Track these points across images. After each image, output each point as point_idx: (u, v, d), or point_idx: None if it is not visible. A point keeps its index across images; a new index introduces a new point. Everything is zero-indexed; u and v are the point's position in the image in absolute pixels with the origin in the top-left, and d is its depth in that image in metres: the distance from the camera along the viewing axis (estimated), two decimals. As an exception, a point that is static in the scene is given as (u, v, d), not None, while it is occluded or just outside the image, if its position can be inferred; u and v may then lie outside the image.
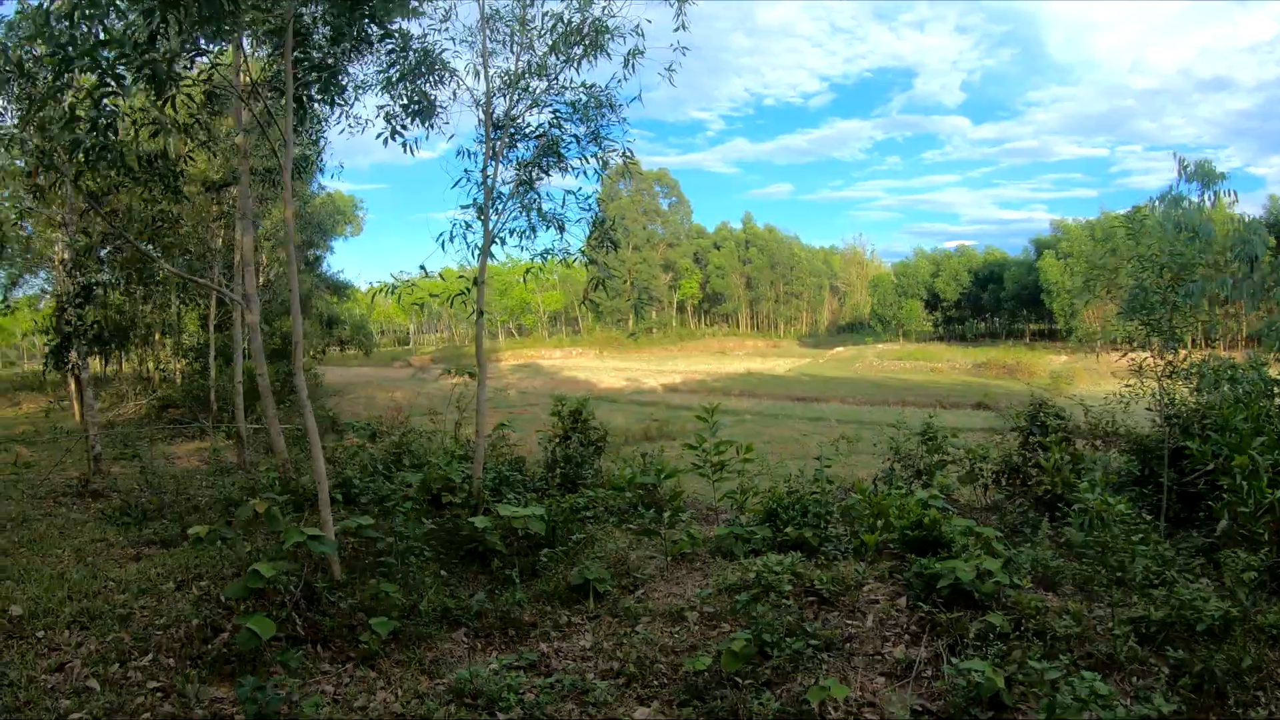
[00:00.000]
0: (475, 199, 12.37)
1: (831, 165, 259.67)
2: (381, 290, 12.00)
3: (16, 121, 9.95)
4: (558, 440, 16.02)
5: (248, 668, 7.62)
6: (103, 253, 25.03)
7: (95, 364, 49.70)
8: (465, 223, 12.27)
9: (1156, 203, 13.27)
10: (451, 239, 12.08)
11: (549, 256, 12.73)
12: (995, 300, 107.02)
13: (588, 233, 12.88)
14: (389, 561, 9.43)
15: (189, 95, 9.83)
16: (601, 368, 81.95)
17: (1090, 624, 7.76)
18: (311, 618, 8.45)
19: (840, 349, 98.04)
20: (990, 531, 9.91)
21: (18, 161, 11.17)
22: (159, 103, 8.67)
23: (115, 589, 9.86)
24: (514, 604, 9.15)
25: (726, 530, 11.22)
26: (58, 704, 6.95)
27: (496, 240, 12.31)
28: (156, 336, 40.87)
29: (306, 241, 42.58)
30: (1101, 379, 66.15)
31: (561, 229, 12.69)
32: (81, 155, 8.74)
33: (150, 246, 21.20)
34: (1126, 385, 12.81)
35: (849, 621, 8.53)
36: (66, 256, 19.61)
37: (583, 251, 12.92)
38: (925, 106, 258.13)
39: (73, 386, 28.55)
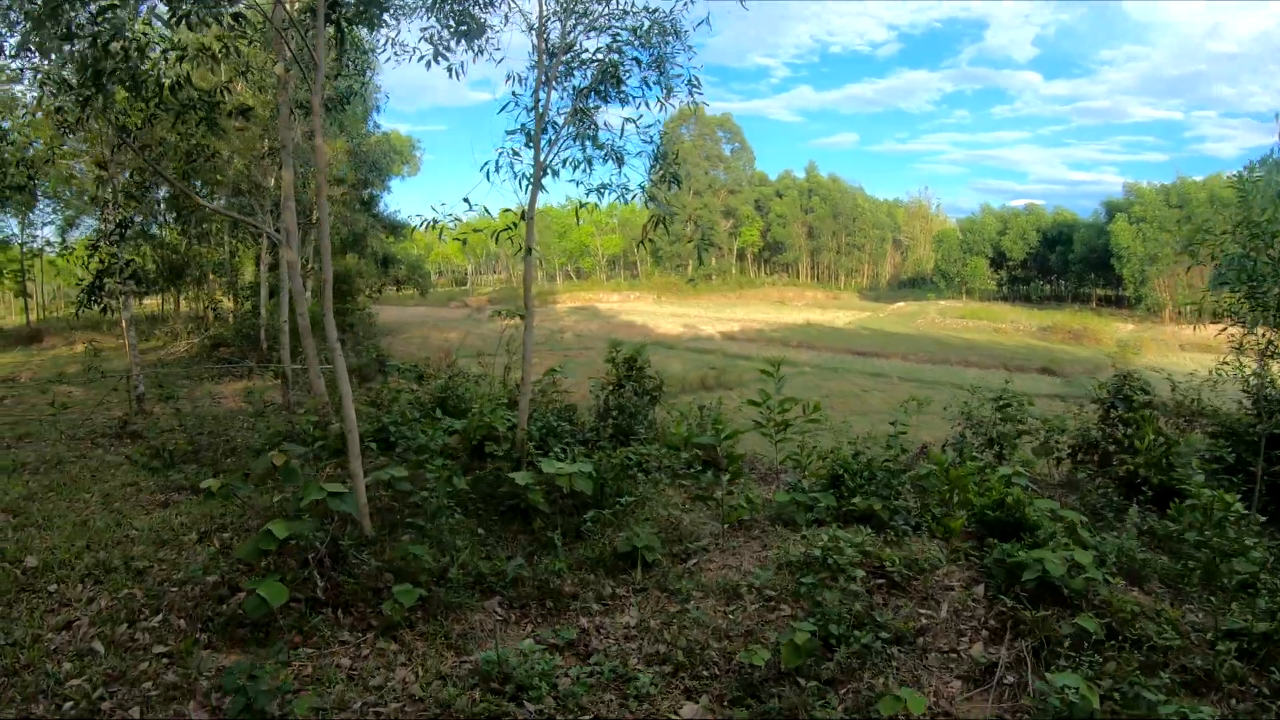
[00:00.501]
0: (524, 125, 11.40)
1: (898, 116, 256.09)
2: (424, 226, 11.01)
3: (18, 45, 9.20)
4: (611, 388, 15.22)
5: (260, 634, 7.05)
6: (158, 194, 24.65)
7: (153, 303, 50.11)
8: (513, 149, 11.22)
9: (1257, 166, 12.05)
10: (498, 169, 11.03)
11: (606, 192, 11.63)
12: (1063, 262, 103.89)
13: (648, 167, 11.84)
14: (419, 522, 8.69)
15: (214, 18, 8.99)
16: (659, 313, 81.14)
17: (1184, 631, 6.91)
18: (335, 578, 7.79)
19: (902, 304, 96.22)
20: (1075, 516, 9.06)
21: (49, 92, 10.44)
22: (172, 20, 7.90)
23: (137, 539, 9.34)
24: (553, 573, 8.35)
25: (788, 496, 10.32)
26: (59, 667, 6.47)
27: (549, 172, 11.24)
28: (210, 275, 40.70)
29: (362, 180, 41.95)
30: (1169, 351, 64.33)
31: (620, 162, 11.59)
32: (90, 75, 8.01)
33: (191, 183, 20.59)
34: (1223, 363, 11.71)
35: (921, 611, 7.68)
36: (104, 193, 19.10)
37: (642, 187, 11.79)
38: (995, 60, 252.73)
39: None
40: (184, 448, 13.62)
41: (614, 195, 11.65)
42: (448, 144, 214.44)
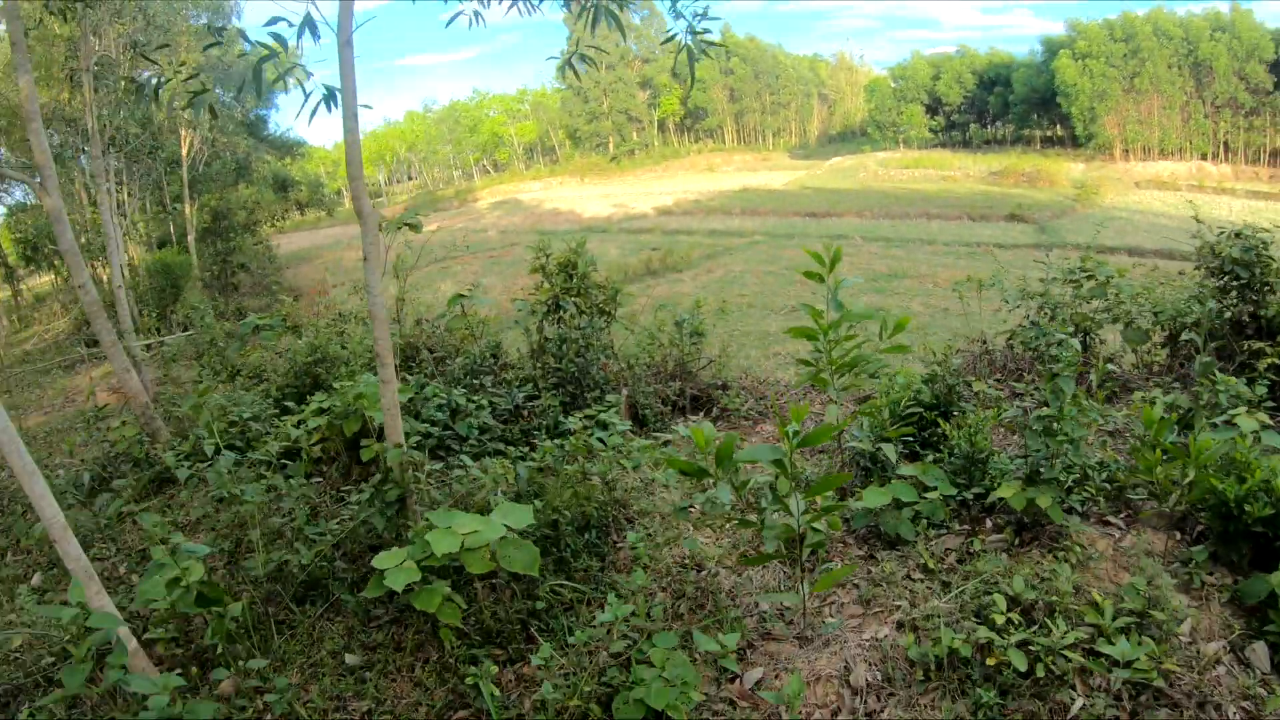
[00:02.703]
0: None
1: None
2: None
3: None
4: (545, 312, 10.89)
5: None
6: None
7: (45, 281, 44.28)
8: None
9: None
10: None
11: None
12: (1002, 104, 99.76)
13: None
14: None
15: None
16: (585, 196, 76.15)
17: None
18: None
19: (838, 159, 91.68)
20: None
21: None
22: None
23: None
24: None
25: (884, 494, 6.00)
26: None
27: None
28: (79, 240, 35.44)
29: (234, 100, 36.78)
30: (1127, 189, 61.21)
31: None
32: None
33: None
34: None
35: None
36: None
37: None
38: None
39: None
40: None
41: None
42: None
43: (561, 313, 10.74)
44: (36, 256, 34.76)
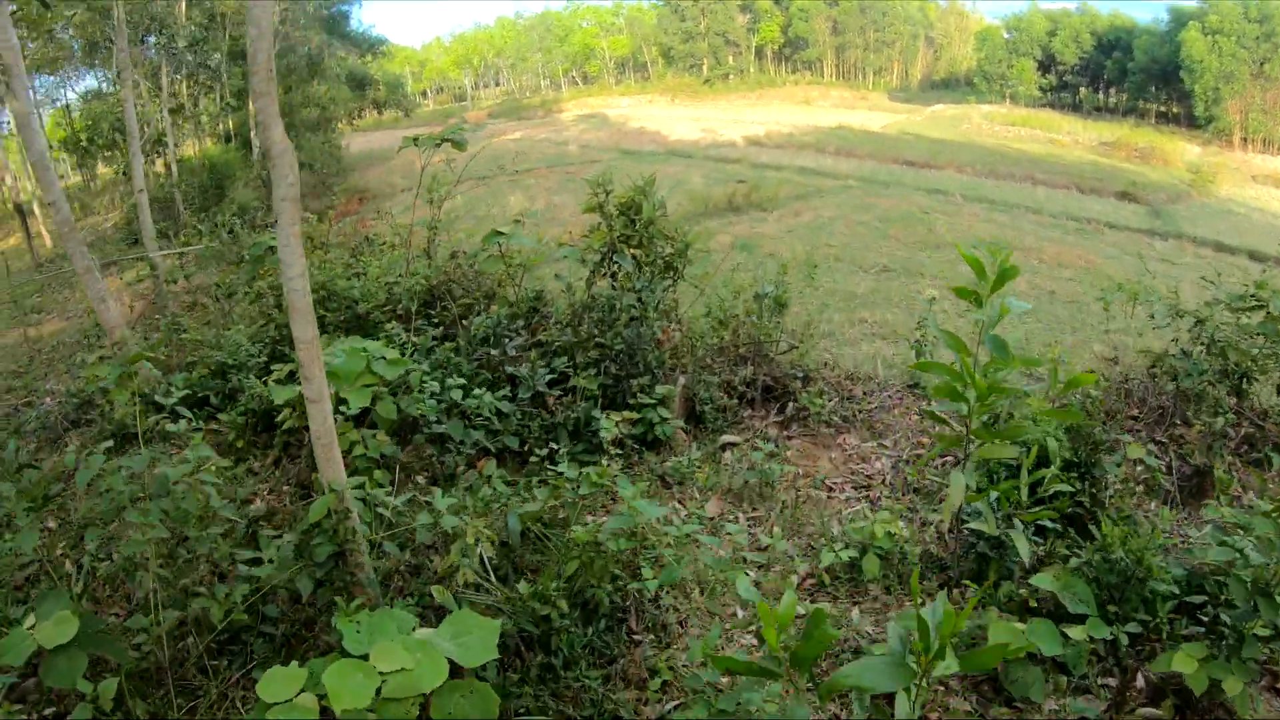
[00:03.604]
0: None
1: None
2: None
3: None
4: (597, 263, 8.91)
5: None
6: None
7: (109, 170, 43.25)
8: None
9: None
10: None
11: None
12: (1120, 71, 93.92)
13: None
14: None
15: None
16: (674, 117, 73.18)
17: None
18: None
19: (941, 106, 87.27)
20: None
21: None
22: None
23: None
24: None
25: (1016, 633, 3.96)
26: None
27: None
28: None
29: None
30: (1243, 182, 56.66)
31: None
32: None
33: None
34: None
35: None
36: None
37: None
38: None
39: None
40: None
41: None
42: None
43: (615, 266, 8.71)
44: (91, 147, 33.61)
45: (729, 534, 5.90)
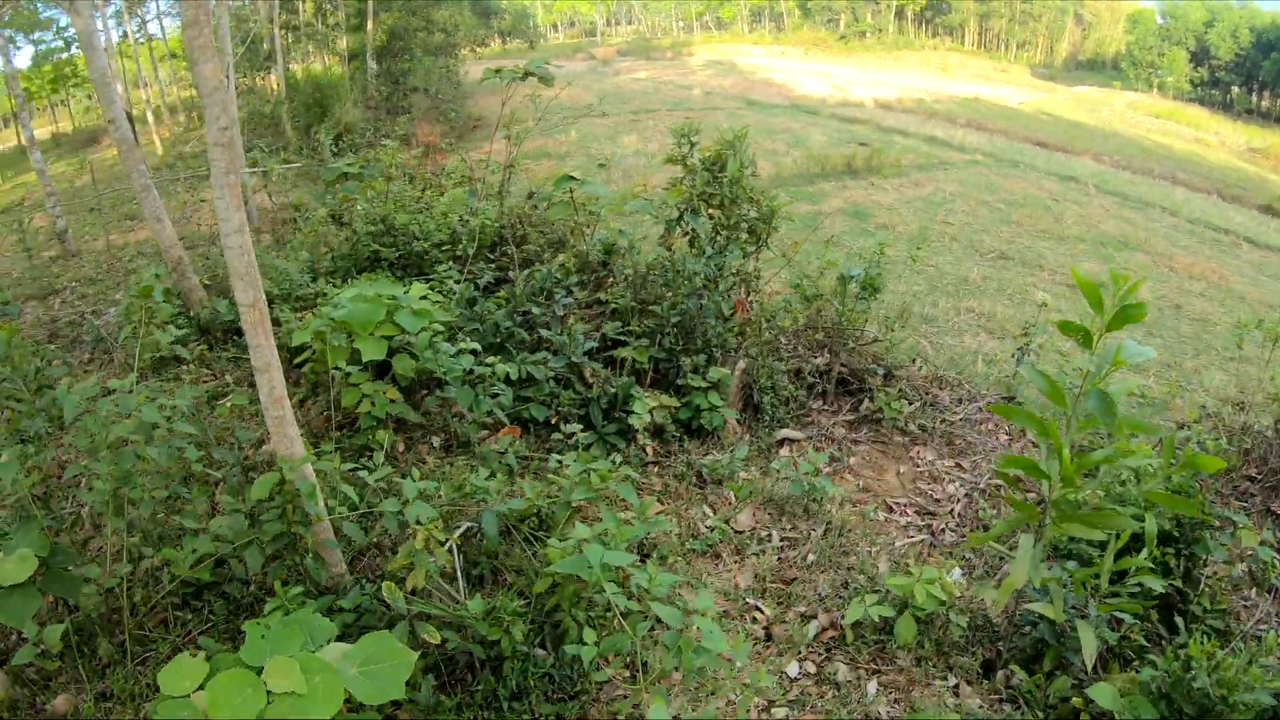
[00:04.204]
0: None
1: None
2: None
3: None
4: (672, 221, 8.19)
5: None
6: None
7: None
8: None
9: None
10: None
11: None
12: (1277, 73, 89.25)
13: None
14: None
15: None
16: (804, 71, 71.11)
17: None
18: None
19: (1083, 88, 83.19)
20: None
21: None
22: None
23: None
24: None
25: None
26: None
27: None
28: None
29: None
30: None
31: None
32: None
33: None
34: None
35: None
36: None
37: None
38: None
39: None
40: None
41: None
42: None
43: (689, 227, 7.96)
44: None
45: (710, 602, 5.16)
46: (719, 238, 7.85)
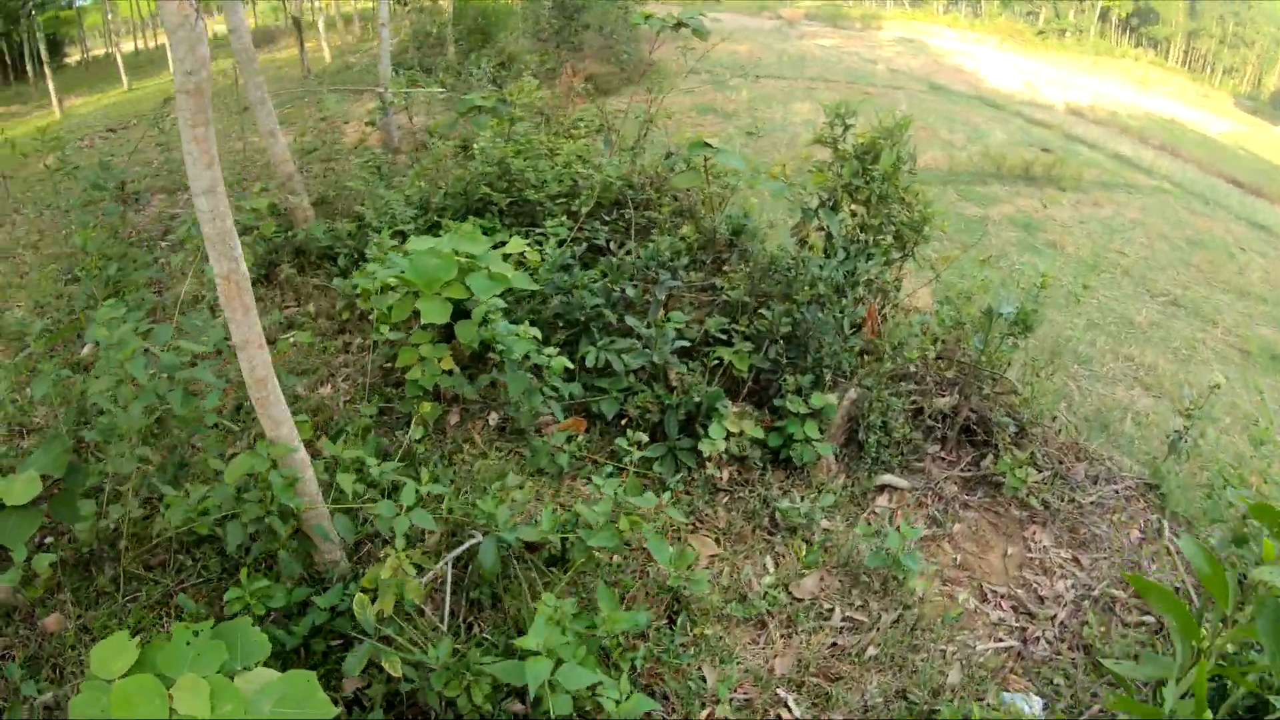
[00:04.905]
0: None
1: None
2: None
3: None
4: (809, 210, 7.34)
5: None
6: None
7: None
8: None
9: None
10: None
11: None
12: None
13: None
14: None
15: None
16: (996, 63, 68.18)
17: None
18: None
19: (1292, 128, 77.65)
20: None
21: None
22: None
23: None
24: None
25: None
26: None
27: None
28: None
29: None
30: None
31: None
32: None
33: None
34: None
35: None
36: None
37: None
38: None
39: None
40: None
41: None
42: None
43: (825, 221, 7.08)
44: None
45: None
46: (858, 239, 6.99)
